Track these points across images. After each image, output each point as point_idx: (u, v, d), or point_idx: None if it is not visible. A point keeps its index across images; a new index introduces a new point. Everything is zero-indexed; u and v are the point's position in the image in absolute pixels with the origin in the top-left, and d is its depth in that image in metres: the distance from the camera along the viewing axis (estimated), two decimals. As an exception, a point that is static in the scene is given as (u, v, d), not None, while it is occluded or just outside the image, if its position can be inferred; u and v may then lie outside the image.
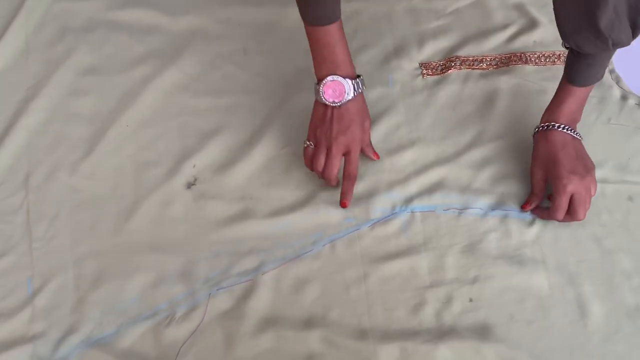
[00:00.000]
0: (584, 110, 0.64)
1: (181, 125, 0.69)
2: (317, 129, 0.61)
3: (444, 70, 0.71)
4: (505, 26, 0.74)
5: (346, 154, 0.61)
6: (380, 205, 0.65)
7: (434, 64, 0.72)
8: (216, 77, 0.72)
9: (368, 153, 0.64)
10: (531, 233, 0.63)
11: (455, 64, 0.71)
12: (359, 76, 0.61)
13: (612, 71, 0.72)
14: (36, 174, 0.66)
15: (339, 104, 0.59)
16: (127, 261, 0.63)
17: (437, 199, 0.65)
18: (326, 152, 0.61)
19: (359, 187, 0.65)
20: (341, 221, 0.64)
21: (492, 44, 0.73)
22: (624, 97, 0.70)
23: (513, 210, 0.65)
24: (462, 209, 0.65)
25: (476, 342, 0.58)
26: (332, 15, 0.57)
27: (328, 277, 0.62)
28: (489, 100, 0.70)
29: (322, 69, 0.59)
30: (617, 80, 0.71)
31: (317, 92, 0.60)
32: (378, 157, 0.65)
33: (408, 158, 0.67)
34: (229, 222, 0.64)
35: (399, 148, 0.67)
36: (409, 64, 0.72)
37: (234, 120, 0.69)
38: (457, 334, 0.59)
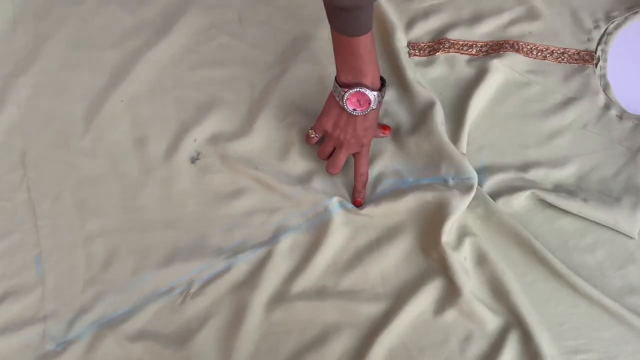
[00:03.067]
0: (560, 108, 0.63)
1: (178, 99, 0.65)
2: (329, 126, 0.59)
3: (431, 52, 0.68)
4: (501, 12, 0.70)
5: (356, 155, 0.61)
6: (388, 177, 0.63)
7: (423, 44, 0.69)
8: (211, 48, 0.67)
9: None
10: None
11: (444, 46, 0.68)
12: (382, 83, 0.57)
13: (603, 76, 0.67)
14: (32, 151, 0.63)
15: (359, 113, 0.57)
16: (139, 238, 0.61)
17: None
18: (335, 148, 0.60)
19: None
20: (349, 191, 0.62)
21: (485, 29, 0.69)
22: (607, 106, 0.65)
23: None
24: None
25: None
26: (366, 26, 0.52)
27: (341, 244, 0.60)
28: (474, 87, 0.66)
29: (348, 76, 0.56)
30: (605, 87, 0.66)
31: (339, 96, 0.57)
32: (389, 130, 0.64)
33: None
34: (238, 195, 0.62)
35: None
36: (397, 43, 0.68)
37: (232, 93, 0.66)
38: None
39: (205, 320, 0.57)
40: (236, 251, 0.60)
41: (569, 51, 0.68)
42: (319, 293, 0.58)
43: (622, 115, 0.64)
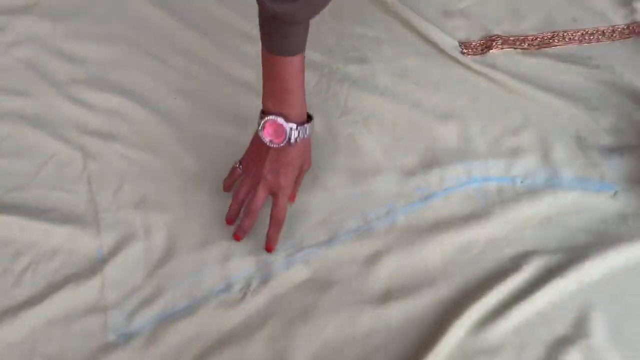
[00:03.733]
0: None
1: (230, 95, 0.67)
2: (250, 159, 0.56)
3: (484, 50, 0.70)
4: (539, 3, 0.73)
5: (274, 197, 0.56)
6: (455, 174, 0.62)
7: (474, 43, 0.71)
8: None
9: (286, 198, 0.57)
10: (614, 207, 0.60)
11: (496, 43, 0.70)
12: (309, 118, 0.54)
13: None
14: (90, 145, 0.64)
15: (276, 145, 0.53)
16: (198, 233, 0.60)
17: (516, 170, 0.63)
18: (252, 186, 0.56)
19: (432, 157, 0.63)
20: (413, 191, 0.62)
21: (530, 24, 0.72)
22: None
23: (596, 182, 0.62)
24: (542, 182, 0.62)
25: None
26: (297, 47, 0.49)
27: (404, 248, 0.59)
28: (537, 80, 0.68)
29: (269, 102, 0.52)
30: None
31: (258, 124, 0.53)
32: (292, 201, 0.60)
33: (475, 129, 0.65)
34: (297, 193, 0.61)
35: (463, 118, 0.66)
36: (447, 42, 0.70)
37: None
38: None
39: (266, 320, 0.55)
40: (294, 250, 0.58)
41: (617, 28, 0.71)
42: (385, 298, 0.56)
43: None
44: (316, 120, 0.62)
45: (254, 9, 0.50)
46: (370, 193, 0.62)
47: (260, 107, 0.55)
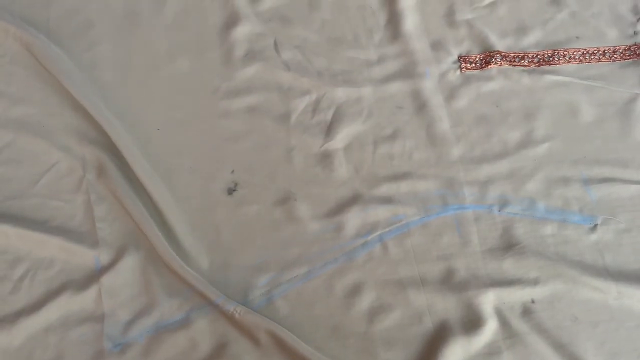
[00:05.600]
0: (637, 109, 0.66)
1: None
2: None
3: (484, 65, 0.70)
4: (543, 20, 0.72)
5: None
6: (431, 203, 0.64)
7: (474, 57, 0.71)
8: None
9: None
10: (591, 239, 0.62)
11: (495, 59, 0.70)
12: None
13: None
14: (92, 155, 0.65)
15: None
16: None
17: (491, 198, 0.64)
18: None
19: (409, 185, 0.65)
20: (391, 218, 0.63)
21: (532, 40, 0.71)
22: None
23: (573, 215, 0.64)
24: (519, 211, 0.63)
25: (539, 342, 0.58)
26: None
27: (382, 277, 0.61)
28: (534, 98, 0.69)
29: None
30: None
31: None
32: None
33: (456, 154, 0.66)
34: (275, 227, 0.63)
35: (445, 143, 0.67)
36: (447, 57, 0.70)
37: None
38: (519, 337, 0.58)
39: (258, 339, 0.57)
40: (271, 286, 0.60)
41: (619, 48, 0.71)
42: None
43: None
44: (294, 152, 0.66)
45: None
46: (346, 222, 0.63)
47: None
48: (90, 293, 0.59)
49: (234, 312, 0.58)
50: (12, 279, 0.60)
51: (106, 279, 0.60)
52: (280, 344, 0.57)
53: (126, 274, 0.60)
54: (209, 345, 0.58)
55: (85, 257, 0.61)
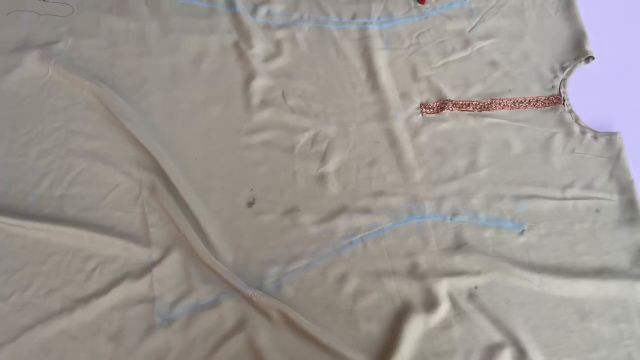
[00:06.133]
0: (556, 143, 0.72)
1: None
2: None
3: (439, 110, 0.75)
4: (483, 77, 0.78)
5: None
6: (400, 214, 0.70)
7: (432, 104, 0.76)
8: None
9: None
10: (520, 241, 0.68)
11: (448, 105, 0.75)
12: None
13: (571, 111, 0.76)
14: (145, 184, 0.71)
15: None
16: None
17: (445, 210, 0.70)
18: None
19: (384, 200, 0.71)
20: (370, 225, 0.69)
21: (475, 91, 0.77)
22: (583, 132, 0.75)
23: (506, 223, 0.69)
24: (466, 220, 0.69)
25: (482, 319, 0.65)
26: None
27: (363, 269, 0.67)
28: (477, 135, 0.75)
29: None
30: (576, 119, 0.76)
31: None
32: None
33: (419, 177, 0.72)
34: (284, 231, 0.69)
35: (410, 169, 0.72)
36: (411, 104, 0.76)
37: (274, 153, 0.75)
38: (466, 315, 0.65)
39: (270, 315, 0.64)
40: (281, 275, 0.67)
41: (540, 98, 0.77)
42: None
43: (596, 135, 0.74)
44: (298, 174, 0.72)
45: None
46: (337, 227, 0.69)
47: None
48: (145, 281, 0.66)
49: (252, 295, 0.64)
50: (86, 270, 0.67)
51: (157, 271, 0.66)
52: (287, 319, 0.63)
53: (172, 266, 0.67)
54: (234, 320, 0.65)
55: (141, 254, 0.67)
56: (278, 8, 0.83)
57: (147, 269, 0.67)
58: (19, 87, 0.77)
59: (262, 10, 0.83)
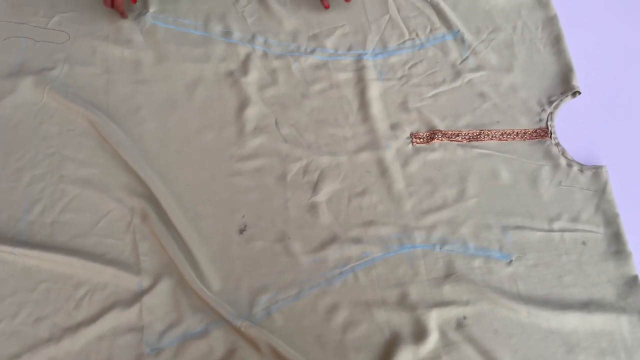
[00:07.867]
0: (543, 175, 0.72)
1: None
2: None
3: (429, 140, 0.76)
4: (473, 109, 0.80)
5: None
6: (391, 243, 0.70)
7: (422, 134, 0.77)
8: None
9: None
10: (508, 272, 0.69)
11: (438, 135, 0.76)
12: None
13: (557, 144, 0.77)
14: (137, 205, 0.72)
15: None
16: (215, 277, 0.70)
17: (434, 239, 0.71)
18: None
19: (374, 230, 0.71)
20: (360, 254, 0.70)
21: (464, 122, 0.78)
22: (569, 165, 0.76)
23: (495, 252, 0.70)
24: (455, 249, 0.70)
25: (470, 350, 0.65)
26: None
27: (354, 299, 0.67)
28: (466, 166, 0.76)
29: None
30: (563, 152, 0.77)
31: None
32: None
33: (409, 206, 0.73)
34: (275, 259, 0.70)
35: (401, 198, 0.73)
36: (402, 134, 0.78)
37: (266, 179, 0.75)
38: (455, 345, 0.65)
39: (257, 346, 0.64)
40: (270, 303, 0.67)
41: (528, 131, 0.78)
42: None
43: (582, 168, 0.76)
44: (289, 202, 0.72)
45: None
46: (328, 257, 0.70)
47: None
48: (134, 309, 0.66)
49: (241, 326, 0.64)
50: (75, 298, 0.66)
51: (146, 299, 0.66)
52: (275, 351, 0.63)
53: (161, 295, 0.67)
54: (223, 350, 0.64)
55: (131, 282, 0.67)
56: (276, 38, 0.85)
57: (137, 297, 0.67)
58: (12, 112, 0.78)
59: (260, 39, 0.85)
